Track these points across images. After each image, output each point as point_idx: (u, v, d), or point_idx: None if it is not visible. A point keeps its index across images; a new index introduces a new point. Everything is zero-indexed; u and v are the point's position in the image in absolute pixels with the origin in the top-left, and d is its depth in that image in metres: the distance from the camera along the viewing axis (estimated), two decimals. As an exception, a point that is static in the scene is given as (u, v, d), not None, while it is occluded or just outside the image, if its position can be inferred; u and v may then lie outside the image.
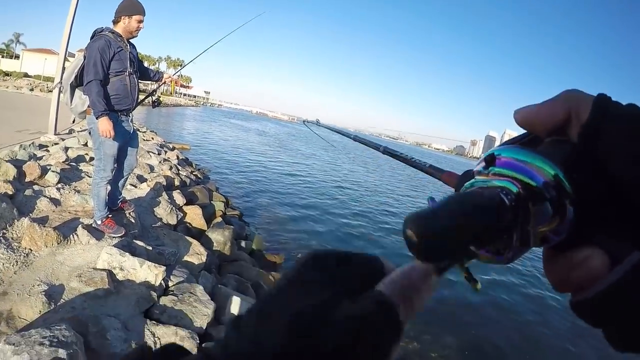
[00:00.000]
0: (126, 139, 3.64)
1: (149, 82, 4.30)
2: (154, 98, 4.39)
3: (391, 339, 0.23)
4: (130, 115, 3.65)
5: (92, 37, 3.36)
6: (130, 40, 3.56)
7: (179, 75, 5.69)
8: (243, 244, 6.24)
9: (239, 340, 0.24)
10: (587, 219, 0.27)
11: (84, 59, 3.31)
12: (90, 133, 3.52)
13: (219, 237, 5.42)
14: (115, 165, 3.66)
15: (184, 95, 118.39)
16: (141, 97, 4.06)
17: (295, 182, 15.00)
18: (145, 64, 4.15)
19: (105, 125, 3.24)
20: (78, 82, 3.41)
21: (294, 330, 0.23)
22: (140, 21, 3.49)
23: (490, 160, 0.30)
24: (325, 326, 0.23)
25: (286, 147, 31.89)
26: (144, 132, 13.95)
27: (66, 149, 6.49)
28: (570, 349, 5.73)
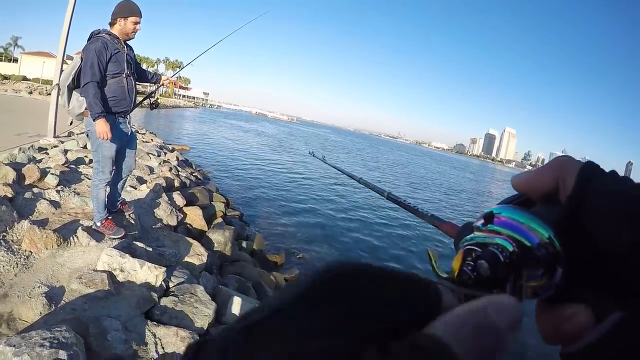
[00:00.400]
0: (124, 141, 3.63)
1: (148, 84, 4.29)
2: (152, 100, 4.38)
3: None
4: (128, 117, 3.64)
5: (89, 39, 3.36)
6: (127, 42, 3.56)
7: (177, 77, 5.69)
8: (244, 244, 6.25)
9: None
10: (575, 276, 0.29)
11: (81, 61, 3.31)
12: (88, 135, 3.52)
13: (220, 238, 5.43)
14: (114, 167, 3.66)
15: (183, 96, 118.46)
16: (139, 99, 4.05)
17: (295, 182, 15.02)
18: (144, 66, 4.14)
19: (102, 127, 3.23)
20: (75, 84, 3.40)
21: None
22: (137, 23, 3.48)
23: (489, 217, 0.32)
24: None
25: (285, 147, 31.91)
26: (144, 133, 13.95)
27: (65, 151, 6.49)
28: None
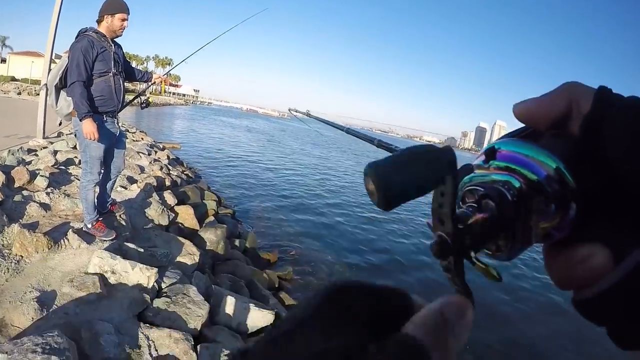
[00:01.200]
0: (112, 141, 3.60)
1: (139, 82, 4.26)
2: (142, 99, 4.34)
3: None
4: (116, 116, 3.61)
5: (76, 38, 3.32)
6: (115, 40, 3.51)
7: (167, 75, 5.64)
8: (236, 242, 6.24)
9: None
10: (590, 213, 0.27)
11: (68, 61, 3.28)
12: (76, 135, 3.49)
13: (212, 237, 5.42)
14: (103, 167, 3.63)
15: (173, 94, 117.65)
16: (129, 97, 4.02)
17: (286, 178, 15.03)
18: (134, 64, 4.10)
19: (89, 127, 3.19)
20: (63, 84, 3.36)
21: None
22: (124, 19, 3.43)
23: (490, 153, 0.30)
24: None
25: (277, 143, 31.87)
26: (134, 132, 13.86)
27: (55, 152, 6.44)
28: (570, 346, 5.75)
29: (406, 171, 0.22)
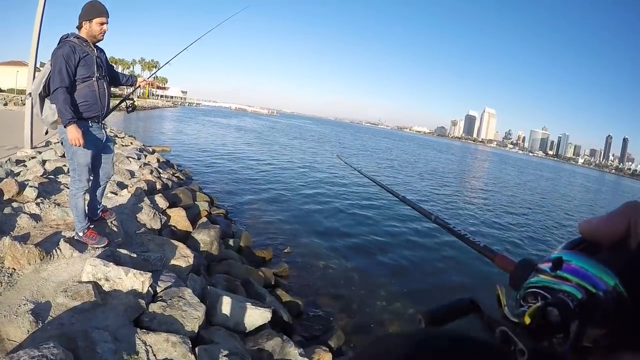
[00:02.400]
0: (99, 147, 3.57)
1: (125, 87, 4.22)
2: (128, 103, 4.31)
3: None
4: (102, 122, 3.58)
5: (58, 44, 3.28)
6: (97, 44, 3.48)
7: (154, 77, 5.59)
8: (230, 242, 6.24)
9: None
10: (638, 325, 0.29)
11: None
12: (62, 143, 3.46)
13: (205, 238, 5.42)
14: (91, 174, 3.61)
15: (161, 96, 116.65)
16: (114, 102, 3.98)
17: (278, 175, 15.04)
18: (119, 68, 4.06)
19: (73, 133, 3.17)
20: (47, 92, 3.32)
21: None
22: (103, 23, 3.38)
23: (557, 263, 0.32)
24: None
25: (267, 141, 31.78)
26: (123, 137, 13.77)
27: (43, 162, 6.39)
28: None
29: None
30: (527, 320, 0.30)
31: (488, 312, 0.34)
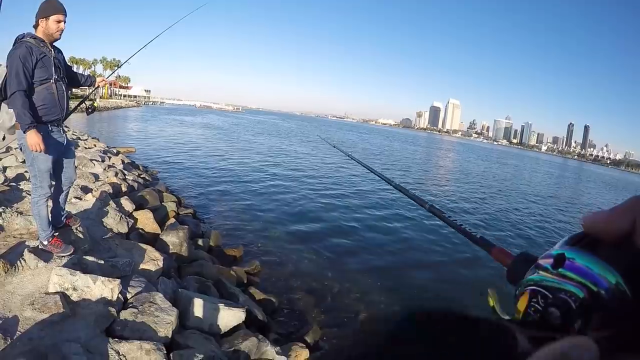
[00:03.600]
0: (60, 151, 3.46)
1: (85, 87, 4.09)
2: (88, 104, 4.18)
3: None
4: (62, 125, 3.47)
5: (13, 45, 3.14)
6: (54, 44, 3.35)
7: (116, 76, 5.44)
8: (200, 242, 6.20)
9: None
10: None
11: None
12: (21, 149, 3.33)
13: (174, 239, 5.35)
14: (53, 180, 3.50)
15: (124, 96, 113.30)
16: (73, 104, 3.86)
17: (244, 172, 14.95)
18: (80, 69, 3.94)
19: (33, 139, 3.05)
20: (3, 95, 3.19)
21: None
22: (60, 21, 3.25)
23: (559, 260, 0.32)
24: None
25: (232, 138, 31.45)
26: (85, 139, 13.34)
27: (4, 169, 6.13)
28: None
29: None
30: (521, 307, 0.31)
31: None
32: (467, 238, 0.59)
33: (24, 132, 3.06)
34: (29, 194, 4.82)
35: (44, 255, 3.34)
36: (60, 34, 3.32)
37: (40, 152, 3.12)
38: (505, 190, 20.96)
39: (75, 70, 3.92)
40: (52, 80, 3.27)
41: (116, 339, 2.53)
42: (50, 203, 3.60)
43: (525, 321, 0.31)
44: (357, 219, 9.73)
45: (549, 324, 0.30)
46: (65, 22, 3.31)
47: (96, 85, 4.01)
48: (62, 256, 3.43)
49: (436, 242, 8.72)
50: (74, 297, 2.85)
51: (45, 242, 3.44)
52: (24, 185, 5.37)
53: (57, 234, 3.59)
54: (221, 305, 3.56)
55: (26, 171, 6.03)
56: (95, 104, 4.27)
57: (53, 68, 3.27)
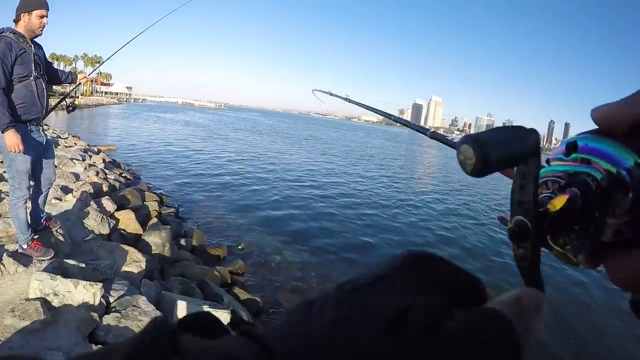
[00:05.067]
0: (39, 151, 3.37)
1: (66, 84, 4.00)
2: (68, 102, 4.09)
3: None
4: (41, 124, 3.37)
5: None
6: (34, 40, 3.26)
7: (97, 73, 5.32)
8: (183, 242, 6.14)
9: (310, 328, 0.20)
10: None
11: None
12: None
13: (157, 240, 5.30)
14: (32, 181, 3.42)
15: (105, 93, 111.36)
16: (53, 102, 3.76)
17: (227, 169, 14.91)
18: (61, 65, 3.84)
19: (12, 139, 2.95)
20: None
21: (393, 330, 0.19)
22: (43, 16, 3.16)
23: (572, 146, 0.30)
24: (432, 333, 0.19)
25: (215, 136, 31.20)
26: (66, 138, 13.07)
27: (-19, 169, 5.97)
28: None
29: (499, 144, 0.23)
30: (558, 204, 0.27)
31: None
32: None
33: (2, 132, 2.97)
34: (8, 195, 4.72)
35: (23, 259, 3.26)
36: (42, 30, 3.23)
37: (19, 152, 3.03)
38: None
39: (56, 67, 3.84)
40: (32, 78, 3.17)
41: (99, 346, 2.50)
42: (30, 204, 3.52)
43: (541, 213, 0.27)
44: (341, 217, 9.77)
45: (569, 210, 0.27)
46: (47, 18, 3.22)
47: (77, 83, 3.92)
48: (42, 260, 3.35)
49: (427, 237, 8.83)
50: (55, 302, 2.79)
51: (25, 246, 3.35)
52: (1, 187, 5.23)
53: (36, 236, 3.51)
54: (205, 307, 3.54)
55: (4, 172, 5.87)
56: (76, 102, 4.18)
57: (33, 65, 3.17)
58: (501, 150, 0.23)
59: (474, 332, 0.20)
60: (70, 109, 4.07)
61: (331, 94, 3.02)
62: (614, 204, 0.26)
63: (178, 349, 0.19)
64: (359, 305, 0.21)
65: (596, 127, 0.30)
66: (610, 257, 0.28)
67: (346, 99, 2.35)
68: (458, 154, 0.23)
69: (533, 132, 0.25)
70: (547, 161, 0.32)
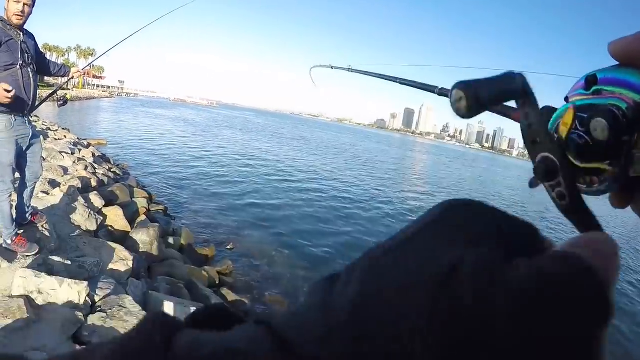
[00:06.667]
0: (24, 144, 3.24)
1: (58, 77, 3.89)
2: (60, 95, 3.99)
3: (599, 318, 0.15)
4: (27, 115, 3.23)
5: None
6: (24, 28, 3.13)
7: (90, 66, 5.22)
8: (171, 240, 6.08)
9: (330, 311, 0.17)
10: None
11: None
12: None
13: (145, 238, 5.23)
14: (17, 174, 3.31)
15: (97, 86, 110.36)
16: (45, 93, 3.64)
17: (217, 167, 14.85)
18: (54, 56, 3.73)
19: None
20: None
21: (444, 289, 0.16)
22: (19, 2, 2.95)
23: (592, 79, 0.28)
24: (496, 285, 0.16)
25: (206, 133, 31.05)
26: (55, 130, 12.91)
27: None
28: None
29: (487, 84, 0.23)
30: (567, 119, 0.27)
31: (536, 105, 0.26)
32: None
33: None
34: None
35: (7, 254, 3.17)
36: (22, 19, 3.03)
37: (10, 100, 2.83)
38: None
39: (48, 58, 3.75)
40: (18, 66, 3.05)
41: (84, 346, 2.44)
42: (16, 198, 3.44)
43: (568, 145, 0.27)
44: (331, 218, 9.76)
45: (596, 141, 0.25)
46: (29, 6, 3.03)
47: (70, 76, 3.83)
48: (27, 256, 3.27)
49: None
50: (39, 300, 2.72)
51: (9, 241, 3.25)
52: (-13, 179, 5.12)
53: (21, 231, 3.43)
54: (193, 308, 3.48)
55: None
56: (68, 96, 4.07)
57: (19, 53, 3.05)
58: (490, 88, 0.23)
59: (548, 280, 0.16)
60: (61, 103, 3.98)
61: (332, 67, 2.90)
62: None
63: (170, 345, 0.18)
64: (392, 272, 0.17)
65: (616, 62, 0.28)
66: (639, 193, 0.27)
67: (349, 69, 2.28)
68: (450, 98, 0.23)
69: (518, 74, 0.24)
70: (566, 98, 0.30)
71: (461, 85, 0.22)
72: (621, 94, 0.26)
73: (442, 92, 0.87)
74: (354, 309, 0.16)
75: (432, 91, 0.96)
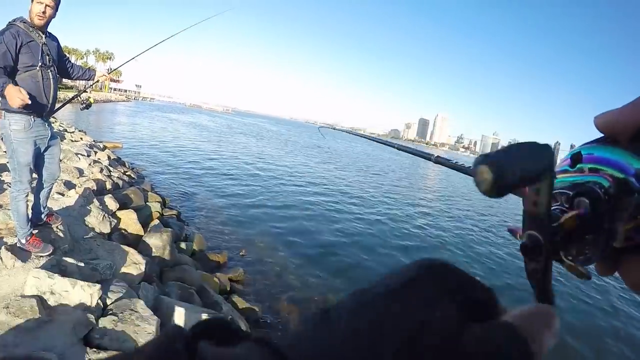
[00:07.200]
0: (43, 145, 3.27)
1: (83, 81, 3.91)
2: (84, 97, 4.00)
3: None
4: (46, 117, 3.25)
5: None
6: (47, 30, 3.15)
7: (108, 69, 5.27)
8: (183, 245, 6.07)
9: (324, 340, 0.20)
10: None
11: None
12: (2, 139, 3.12)
13: (157, 242, 5.23)
14: (34, 175, 3.32)
15: (115, 89, 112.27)
16: (67, 96, 3.67)
17: (232, 175, 14.83)
18: (73, 58, 3.75)
19: (12, 93, 2.71)
20: None
21: (412, 344, 0.19)
22: (41, 3, 2.96)
23: (576, 157, 0.30)
24: (449, 350, 0.19)
25: (222, 140, 31.25)
26: (72, 132, 13.09)
27: (-16, 158, 5.93)
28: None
29: (515, 164, 0.22)
30: (568, 224, 0.27)
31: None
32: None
33: (1, 96, 2.82)
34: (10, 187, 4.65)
35: (21, 254, 3.18)
36: (44, 20, 3.04)
37: (24, 103, 2.78)
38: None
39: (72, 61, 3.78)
40: (38, 68, 3.06)
41: (94, 349, 2.41)
42: (32, 198, 3.45)
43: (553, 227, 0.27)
44: (348, 230, 9.67)
45: (579, 221, 0.27)
46: (51, 8, 3.04)
47: (95, 80, 3.84)
48: (41, 256, 3.27)
49: (437, 249, 8.74)
50: (51, 301, 2.71)
51: (23, 241, 3.26)
52: (5, 177, 5.17)
53: (36, 231, 3.44)
54: (204, 315, 3.45)
55: (8, 162, 5.83)
56: (91, 100, 4.07)
57: (40, 54, 3.06)
58: (517, 169, 0.22)
59: (491, 349, 0.19)
60: (84, 106, 4.00)
61: (334, 129, 3.70)
62: (623, 210, 0.26)
63: (194, 358, 0.19)
64: (374, 317, 0.20)
65: (601, 135, 0.30)
66: (624, 262, 0.29)
67: (349, 132, 2.59)
68: (475, 175, 0.22)
69: (547, 148, 0.24)
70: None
71: (487, 160, 0.22)
72: (603, 172, 0.28)
73: (438, 161, 0.92)
74: (344, 340, 0.19)
75: (429, 159, 1.01)
